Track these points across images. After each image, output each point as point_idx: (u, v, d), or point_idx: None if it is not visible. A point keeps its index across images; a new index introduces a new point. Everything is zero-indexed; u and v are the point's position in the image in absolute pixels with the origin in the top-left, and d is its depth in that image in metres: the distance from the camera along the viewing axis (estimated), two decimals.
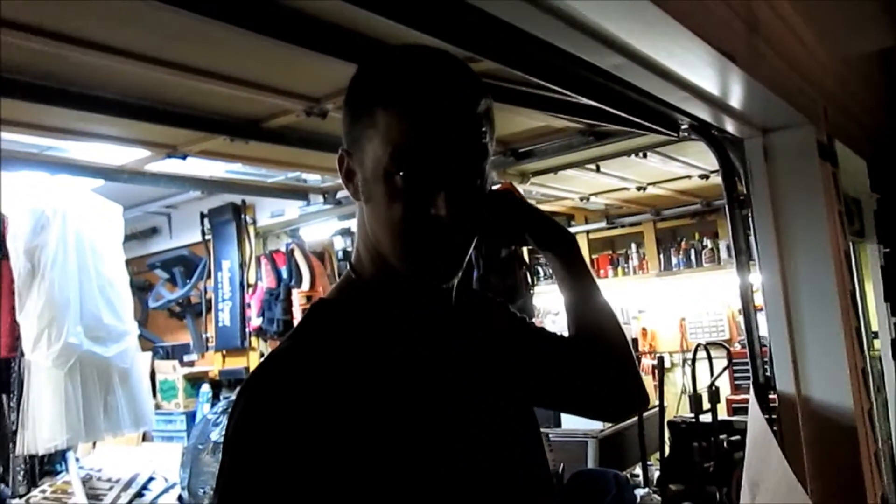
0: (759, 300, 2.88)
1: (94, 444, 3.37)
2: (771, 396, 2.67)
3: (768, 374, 2.75)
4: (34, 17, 1.74)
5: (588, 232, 6.34)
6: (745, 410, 5.00)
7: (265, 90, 2.27)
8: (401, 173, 0.86)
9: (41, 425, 2.91)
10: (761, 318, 2.82)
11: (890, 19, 2.86)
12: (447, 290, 0.97)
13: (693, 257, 5.96)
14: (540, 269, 6.52)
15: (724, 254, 5.78)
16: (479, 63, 2.10)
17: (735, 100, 2.30)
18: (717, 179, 4.62)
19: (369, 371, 0.87)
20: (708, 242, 5.90)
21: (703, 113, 2.45)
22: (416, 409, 0.89)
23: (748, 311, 2.85)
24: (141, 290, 5.55)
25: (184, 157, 2.91)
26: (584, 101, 2.38)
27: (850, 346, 2.56)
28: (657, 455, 4.58)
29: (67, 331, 2.93)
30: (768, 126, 2.68)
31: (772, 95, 2.26)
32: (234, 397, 0.88)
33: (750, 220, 2.78)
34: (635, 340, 5.33)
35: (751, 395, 2.73)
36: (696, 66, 1.93)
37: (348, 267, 0.99)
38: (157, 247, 5.33)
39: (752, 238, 2.78)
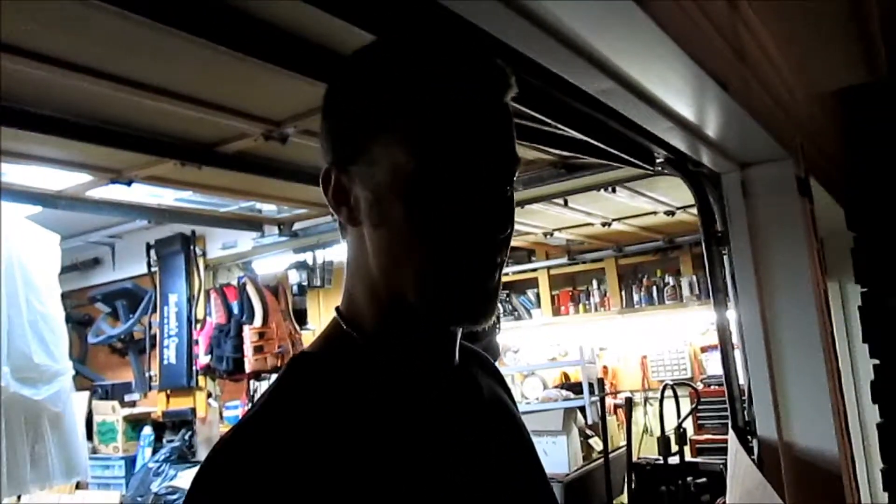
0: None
1: (19, 497, 3.07)
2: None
3: (747, 417, 2.65)
4: None
5: (549, 268, 6.27)
6: (710, 451, 4.96)
7: (221, 111, 2.10)
8: (432, 185, 0.69)
9: None
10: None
11: (863, 55, 2.83)
12: (451, 343, 0.79)
13: (655, 294, 5.91)
14: (501, 304, 6.39)
15: (686, 291, 5.74)
16: None
17: (718, 131, 2.21)
18: (682, 216, 4.60)
19: (365, 450, 0.68)
20: (670, 280, 5.86)
21: (683, 145, 2.36)
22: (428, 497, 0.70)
23: (726, 350, 2.74)
24: (80, 324, 5.26)
25: (129, 184, 2.70)
26: (562, 131, 2.27)
27: (833, 389, 2.47)
28: (622, 498, 4.46)
29: None
30: (746, 160, 2.62)
31: (757, 127, 2.18)
32: (192, 479, 0.68)
33: (727, 257, 2.70)
34: (601, 380, 5.20)
35: (731, 439, 2.61)
36: (686, 93, 1.83)
37: (336, 314, 0.78)
38: (99, 279, 5.07)
39: (728, 276, 2.69)
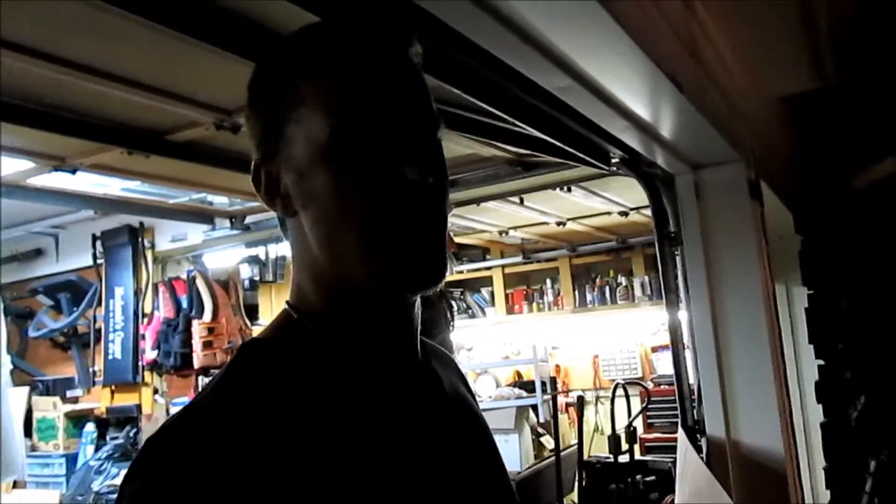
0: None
1: None
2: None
3: (696, 416, 2.69)
4: None
5: (504, 266, 6.28)
6: (658, 450, 5.03)
7: (170, 97, 2.03)
8: (351, 148, 0.67)
9: None
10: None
11: (813, 62, 2.89)
12: (407, 329, 0.76)
13: (608, 294, 5.97)
14: (454, 303, 6.40)
15: (638, 291, 5.81)
16: None
17: (673, 131, 2.23)
18: (635, 216, 4.65)
19: (315, 438, 0.65)
20: (623, 280, 5.92)
21: (638, 145, 2.37)
22: (384, 489, 0.67)
23: (677, 350, 2.77)
24: (20, 317, 5.08)
25: (73, 171, 2.61)
26: (519, 128, 2.27)
27: (779, 389, 2.51)
28: (572, 496, 4.49)
29: None
30: (699, 162, 2.65)
31: (710, 129, 2.20)
32: (125, 470, 0.65)
33: (679, 258, 2.73)
34: (553, 378, 5.23)
35: (680, 437, 2.64)
36: (642, 92, 1.83)
37: (286, 305, 0.76)
38: (41, 270, 4.90)
39: (680, 276, 2.72)
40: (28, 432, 4.25)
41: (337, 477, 0.64)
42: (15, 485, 3.95)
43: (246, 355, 0.72)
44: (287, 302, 0.76)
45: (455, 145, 2.81)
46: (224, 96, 2.12)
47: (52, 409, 4.25)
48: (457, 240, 5.26)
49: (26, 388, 4.38)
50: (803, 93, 3.18)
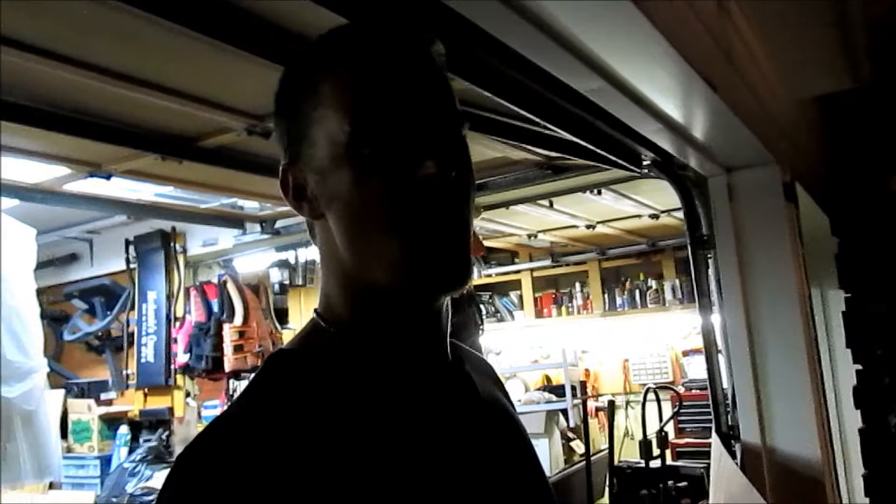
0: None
1: None
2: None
3: (731, 422, 2.64)
4: None
5: (532, 270, 6.25)
6: (690, 455, 4.96)
7: (203, 104, 2.05)
8: (369, 145, 0.67)
9: None
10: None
11: (846, 62, 2.84)
12: (436, 332, 0.75)
13: (637, 298, 5.91)
14: (483, 306, 6.38)
15: (668, 295, 5.74)
16: None
17: (706, 133, 2.20)
18: (666, 219, 4.60)
19: (346, 447, 0.64)
20: (653, 283, 5.86)
21: (671, 147, 2.34)
22: (417, 496, 0.66)
23: (710, 354, 2.73)
24: (55, 321, 5.16)
25: (108, 177, 2.64)
26: (549, 130, 2.25)
27: (816, 394, 2.46)
28: (603, 501, 4.45)
29: None
30: (733, 164, 2.61)
31: (744, 130, 2.17)
32: (163, 479, 0.65)
33: (712, 261, 2.69)
34: (583, 382, 5.20)
35: (714, 443, 2.60)
36: (675, 93, 1.81)
37: (314, 315, 0.75)
38: (76, 274, 4.97)
39: (713, 280, 2.68)
40: (63, 434, 4.31)
41: (368, 487, 0.63)
42: (51, 486, 4.01)
43: (272, 366, 0.72)
44: (315, 310, 0.76)
45: (484, 148, 2.80)
46: (255, 102, 2.14)
47: (86, 412, 4.31)
48: (485, 243, 5.25)
49: (61, 391, 4.44)
50: (838, 93, 3.12)
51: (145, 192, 3.24)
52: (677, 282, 5.71)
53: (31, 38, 1.66)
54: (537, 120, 2.11)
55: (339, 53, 0.71)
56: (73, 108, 2.05)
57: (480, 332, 3.54)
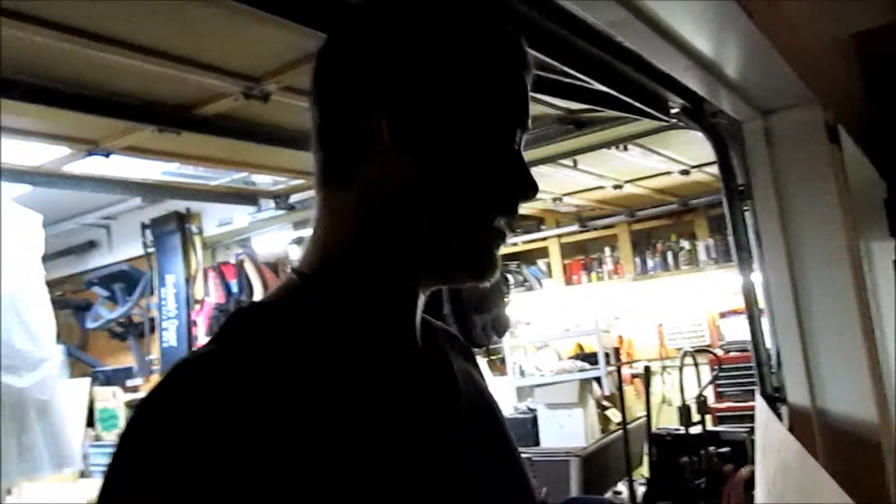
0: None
1: (10, 489, 2.94)
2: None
3: (776, 383, 2.48)
4: None
5: (560, 236, 6.08)
6: (731, 419, 4.80)
7: (191, 66, 1.90)
8: (514, 147, 0.70)
9: None
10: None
11: None
12: (415, 318, 0.73)
13: (670, 259, 5.71)
14: (510, 275, 6.23)
15: (702, 255, 5.54)
16: None
17: (741, 70, 2.02)
18: (697, 175, 4.39)
19: (329, 404, 0.60)
20: (685, 244, 5.66)
21: (702, 88, 2.16)
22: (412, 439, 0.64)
23: (752, 314, 2.56)
24: (79, 309, 5.12)
25: (107, 155, 2.52)
26: (568, 78, 2.07)
27: (869, 352, 2.29)
28: (641, 470, 4.31)
29: None
30: (770, 106, 2.42)
31: (783, 65, 1.98)
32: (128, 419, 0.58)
33: (750, 213, 2.51)
34: (616, 349, 5.04)
35: (759, 406, 2.45)
36: (706, 22, 1.63)
37: (292, 273, 0.70)
38: (95, 262, 4.93)
39: (752, 234, 2.51)
40: (91, 422, 4.28)
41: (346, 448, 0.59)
42: (82, 474, 3.99)
43: (244, 317, 0.66)
44: (296, 270, 0.70)
45: None
46: (250, 63, 1.99)
47: (111, 399, 4.27)
48: None
49: (87, 379, 4.40)
50: (879, 28, 2.89)
51: (153, 171, 3.13)
52: (711, 241, 5.50)
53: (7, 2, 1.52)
54: (555, 64, 1.93)
55: (446, 49, 0.67)
56: (55, 78, 1.92)
57: (506, 303, 3.40)
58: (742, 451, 3.90)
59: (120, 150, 2.53)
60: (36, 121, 2.26)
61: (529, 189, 0.69)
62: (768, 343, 2.51)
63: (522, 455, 0.82)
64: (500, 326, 3.70)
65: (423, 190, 0.66)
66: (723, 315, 5.50)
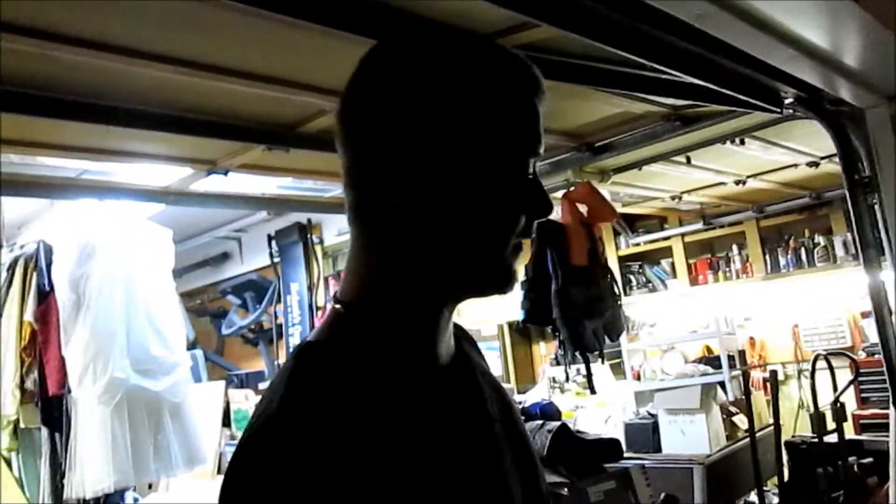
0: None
1: (150, 485, 3.19)
2: None
3: None
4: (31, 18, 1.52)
5: (683, 235, 5.86)
6: (876, 427, 4.44)
7: (291, 86, 2.00)
8: (527, 169, 0.74)
9: (88, 467, 2.73)
10: None
11: None
12: (445, 325, 0.79)
13: (804, 257, 5.36)
14: (633, 277, 6.07)
15: (839, 251, 5.17)
16: (527, 31, 1.78)
17: (854, 56, 1.88)
18: (828, 166, 4.10)
19: (392, 437, 0.67)
20: (820, 239, 5.29)
21: (813, 77, 2.03)
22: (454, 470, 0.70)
23: (881, 314, 2.37)
24: (216, 317, 5.48)
25: (225, 173, 2.69)
26: (668, 75, 2.01)
27: None
28: (774, 480, 4.08)
29: (113, 364, 2.74)
30: (894, 90, 2.24)
31: None
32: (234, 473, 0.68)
33: (877, 207, 2.33)
34: (742, 352, 4.78)
35: (893, 416, 2.26)
36: (806, 8, 1.53)
37: (337, 306, 0.77)
38: (229, 272, 5.26)
39: (881, 228, 2.33)
40: (227, 423, 4.55)
41: (403, 479, 0.65)
42: (220, 471, 4.25)
43: (304, 360, 0.72)
44: (342, 302, 0.76)
45: (601, 104, 2.58)
46: (343, 80, 2.06)
47: (244, 401, 4.52)
48: (627, 210, 4.95)
49: (223, 382, 4.69)
50: None
51: (269, 186, 3.29)
52: (849, 236, 5.11)
53: (113, 38, 1.66)
54: (650, 64, 1.89)
55: (501, 70, 0.73)
56: (170, 105, 2.07)
57: (619, 305, 3.31)
58: (887, 462, 3.60)
59: (235, 168, 2.69)
60: (161, 145, 2.44)
61: (543, 213, 0.74)
62: None
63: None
64: (616, 328, 3.61)
65: (444, 225, 0.71)
66: (864, 315, 5.10)
